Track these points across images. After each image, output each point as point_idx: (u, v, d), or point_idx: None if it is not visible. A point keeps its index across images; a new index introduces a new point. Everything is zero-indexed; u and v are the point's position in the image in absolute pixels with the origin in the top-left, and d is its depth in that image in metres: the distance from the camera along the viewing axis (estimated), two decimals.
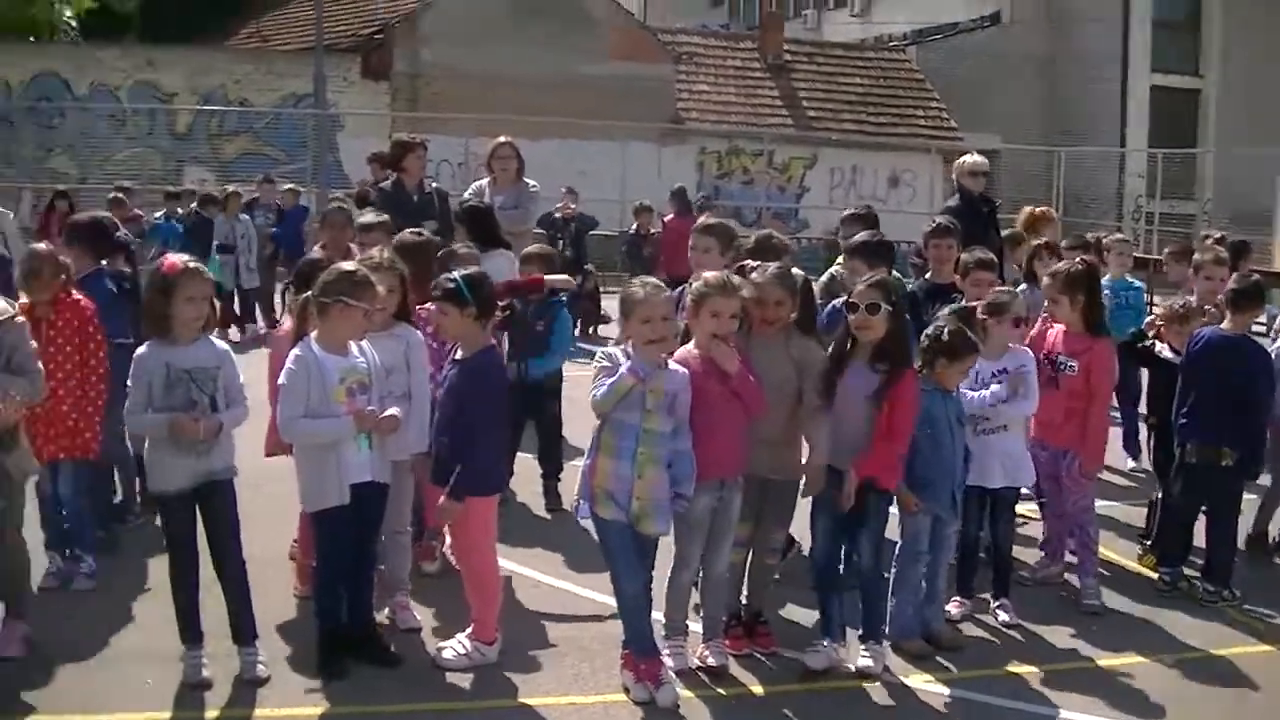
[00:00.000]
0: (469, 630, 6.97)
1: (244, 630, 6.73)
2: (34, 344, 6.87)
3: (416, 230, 8.78)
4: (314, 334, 6.58)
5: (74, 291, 7.88)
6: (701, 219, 9.62)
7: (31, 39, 38.32)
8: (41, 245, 8.03)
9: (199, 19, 37.51)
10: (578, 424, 9.37)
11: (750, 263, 7.33)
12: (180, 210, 18.69)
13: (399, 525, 7.38)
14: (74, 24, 46.82)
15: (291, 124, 30.96)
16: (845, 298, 7.33)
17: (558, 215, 19.44)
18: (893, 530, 7.44)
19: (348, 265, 6.83)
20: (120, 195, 16.90)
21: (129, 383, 6.56)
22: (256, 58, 33.40)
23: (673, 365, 6.56)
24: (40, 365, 6.91)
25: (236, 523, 6.71)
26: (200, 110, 31.07)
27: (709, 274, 6.91)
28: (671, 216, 20.28)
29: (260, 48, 35.75)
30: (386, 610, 7.37)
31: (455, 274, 6.86)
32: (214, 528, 6.65)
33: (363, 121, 31.07)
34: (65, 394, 7.67)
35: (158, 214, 18.85)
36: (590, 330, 19.81)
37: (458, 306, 6.71)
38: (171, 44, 32.98)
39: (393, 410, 6.69)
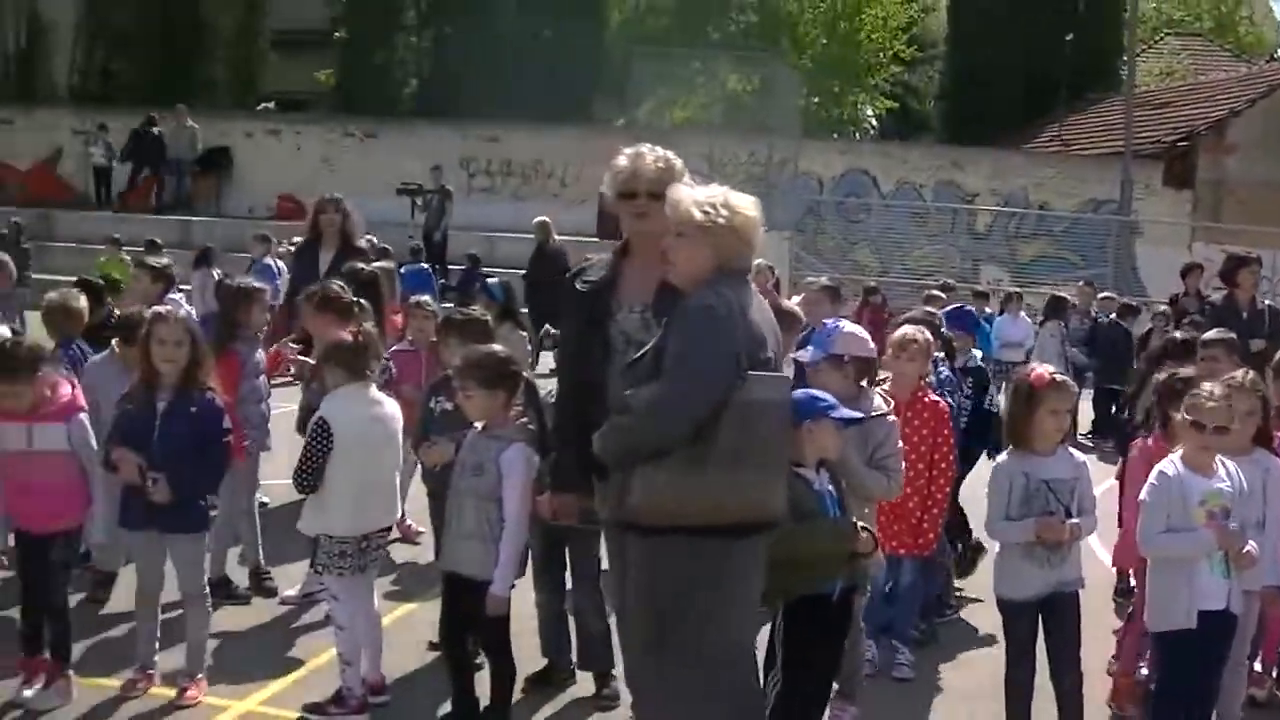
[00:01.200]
0: None
1: None
2: (900, 444, 7.03)
3: None
4: (1179, 452, 6.53)
5: (931, 393, 8.14)
6: None
7: (835, 135, 40.59)
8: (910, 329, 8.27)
9: (998, 119, 38.27)
10: None
11: None
12: (988, 309, 19.11)
13: (1239, 655, 7.15)
14: (874, 122, 49.22)
15: (1090, 229, 30.97)
16: None
17: None
18: None
19: (1212, 386, 6.71)
20: (936, 293, 17.54)
21: (986, 491, 6.75)
22: (1058, 162, 33.66)
23: None
24: (901, 465, 6.99)
25: (1078, 634, 6.73)
26: (1000, 211, 31.70)
27: None
28: None
29: (1061, 151, 35.99)
30: None
31: None
32: (1056, 637, 6.70)
33: (1160, 230, 30.62)
34: (913, 492, 7.88)
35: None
36: None
37: None
38: (972, 145, 33.86)
39: (1250, 546, 6.48)
